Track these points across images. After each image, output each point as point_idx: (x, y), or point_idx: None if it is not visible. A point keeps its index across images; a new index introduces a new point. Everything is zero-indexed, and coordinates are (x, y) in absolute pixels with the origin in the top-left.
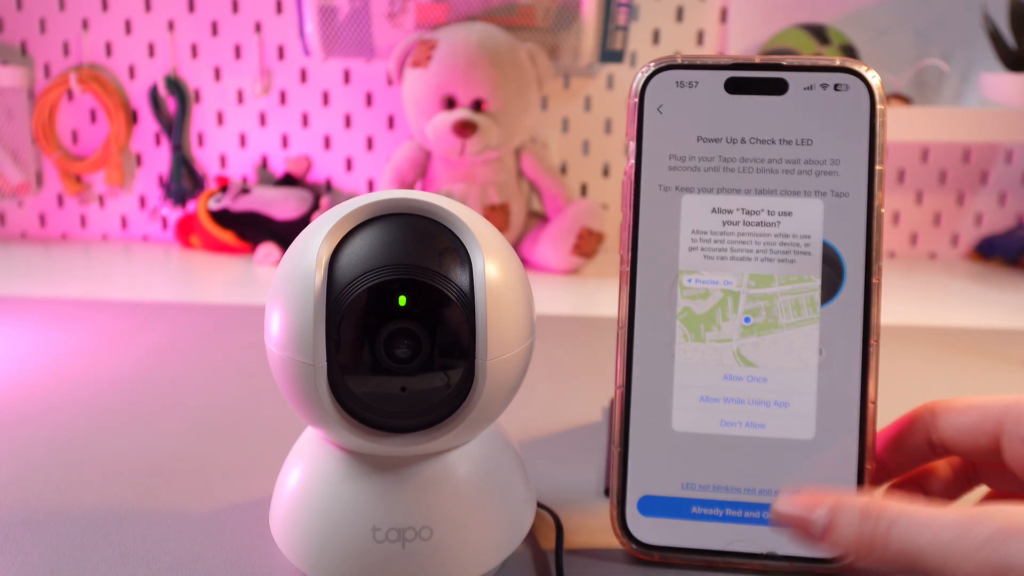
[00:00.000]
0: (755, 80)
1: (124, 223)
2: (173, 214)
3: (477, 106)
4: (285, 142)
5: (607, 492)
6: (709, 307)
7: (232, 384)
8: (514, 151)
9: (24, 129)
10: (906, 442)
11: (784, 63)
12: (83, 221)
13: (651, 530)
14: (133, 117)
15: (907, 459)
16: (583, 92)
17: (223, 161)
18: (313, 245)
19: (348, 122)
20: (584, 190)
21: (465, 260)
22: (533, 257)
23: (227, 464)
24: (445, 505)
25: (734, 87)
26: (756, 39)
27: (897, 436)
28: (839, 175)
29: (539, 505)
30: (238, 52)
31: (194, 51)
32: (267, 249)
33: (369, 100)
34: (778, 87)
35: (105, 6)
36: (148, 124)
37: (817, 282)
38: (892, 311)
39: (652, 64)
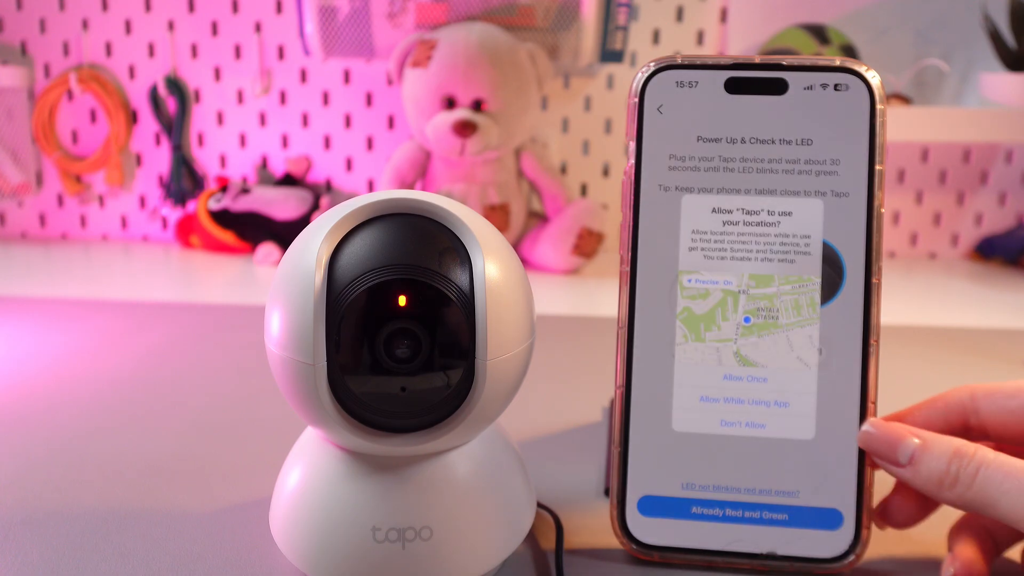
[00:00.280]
0: (755, 80)
1: (124, 223)
2: (173, 214)
3: (477, 106)
4: (285, 142)
5: (607, 492)
6: (709, 307)
7: (232, 384)
8: (514, 151)
9: (24, 129)
10: (937, 426)
11: (784, 63)
12: (83, 221)
13: (651, 530)
14: (133, 117)
15: None
16: (583, 92)
17: (223, 161)
18: (313, 245)
19: (348, 122)
20: (584, 190)
21: (465, 260)
22: (533, 257)
23: (227, 464)
24: (445, 505)
25: (734, 87)
26: (756, 39)
27: (927, 420)
28: (839, 175)
29: (539, 505)
30: (238, 52)
31: (194, 51)
32: (267, 249)
33: (369, 100)
34: (778, 87)
35: (105, 6)
36: (148, 124)
37: (817, 282)
38: (892, 311)
39: (652, 64)
